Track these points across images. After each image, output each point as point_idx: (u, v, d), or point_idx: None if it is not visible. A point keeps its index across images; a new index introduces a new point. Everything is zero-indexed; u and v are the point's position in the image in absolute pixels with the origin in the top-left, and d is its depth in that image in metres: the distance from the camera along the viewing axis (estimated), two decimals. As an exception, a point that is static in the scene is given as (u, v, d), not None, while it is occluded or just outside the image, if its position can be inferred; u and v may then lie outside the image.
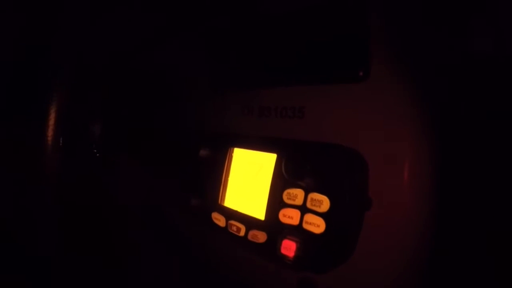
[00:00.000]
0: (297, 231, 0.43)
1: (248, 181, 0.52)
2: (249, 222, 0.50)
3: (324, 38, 0.46)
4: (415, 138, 0.38)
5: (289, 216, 0.44)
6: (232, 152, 0.56)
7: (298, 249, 0.42)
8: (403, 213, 0.38)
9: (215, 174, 0.57)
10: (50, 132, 0.52)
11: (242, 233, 0.50)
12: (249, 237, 0.49)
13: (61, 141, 0.53)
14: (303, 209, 0.43)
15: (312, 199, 0.42)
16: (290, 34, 0.50)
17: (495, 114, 0.46)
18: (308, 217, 0.42)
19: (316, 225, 0.41)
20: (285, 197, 0.45)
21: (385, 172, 0.39)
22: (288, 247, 0.43)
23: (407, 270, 0.39)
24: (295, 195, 0.44)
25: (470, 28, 0.47)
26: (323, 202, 0.41)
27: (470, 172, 0.42)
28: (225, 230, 0.53)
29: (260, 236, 0.48)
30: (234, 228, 0.51)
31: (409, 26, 0.41)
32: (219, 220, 0.54)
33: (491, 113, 0.46)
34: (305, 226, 0.42)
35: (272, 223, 0.47)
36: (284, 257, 0.44)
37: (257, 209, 0.49)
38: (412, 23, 0.41)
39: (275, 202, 0.47)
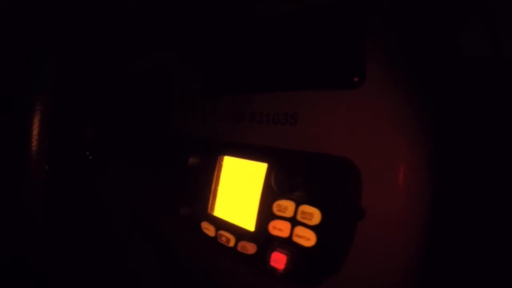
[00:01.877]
0: (287, 244, 0.42)
1: (238, 190, 0.51)
2: (239, 233, 0.48)
3: (318, 43, 0.45)
4: (410, 146, 0.37)
5: (279, 228, 0.43)
6: (222, 160, 0.54)
7: (287, 262, 0.41)
8: (396, 223, 0.37)
9: (204, 182, 0.55)
10: (35, 135, 0.51)
11: (231, 244, 0.49)
12: (239, 248, 0.48)
13: (46, 144, 0.52)
14: (294, 222, 0.42)
15: (303, 212, 0.41)
16: (283, 38, 0.49)
17: (492, 120, 0.45)
18: (299, 230, 0.41)
19: (306, 238, 0.40)
20: (275, 209, 0.44)
21: (378, 181, 0.38)
22: (278, 260, 0.42)
23: (399, 281, 0.37)
24: (286, 207, 0.42)
25: (465, 31, 0.46)
26: (314, 215, 0.40)
27: (466, 179, 0.41)
28: (214, 240, 0.52)
29: (249, 248, 0.46)
30: (224, 239, 0.50)
31: (405, 31, 0.40)
32: (209, 230, 0.53)
33: (487, 118, 0.45)
34: (295, 239, 0.41)
35: (261, 235, 0.45)
36: (273, 269, 0.42)
37: (247, 220, 0.48)
38: (407, 28, 0.40)
39: (265, 213, 0.45)
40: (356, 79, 0.40)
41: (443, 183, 0.37)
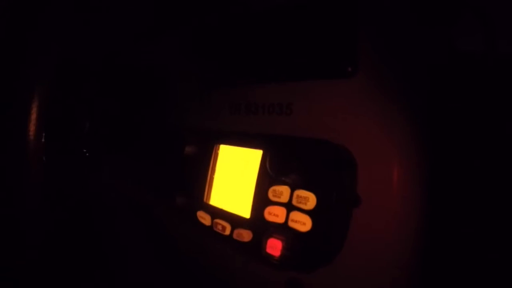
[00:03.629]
0: (283, 230, 0.42)
1: (234, 178, 0.51)
2: (234, 220, 0.48)
3: (312, 32, 0.45)
4: (404, 136, 0.37)
5: (274, 214, 0.43)
6: (218, 149, 0.54)
7: (283, 248, 0.41)
8: (392, 212, 0.37)
9: (200, 171, 0.56)
10: (32, 129, 0.51)
11: (227, 232, 0.49)
12: (234, 236, 0.48)
13: (43, 137, 0.52)
14: (289, 207, 0.42)
15: (298, 196, 0.41)
16: (278, 29, 0.49)
17: (486, 113, 0.46)
18: (294, 214, 0.41)
19: (302, 223, 0.40)
20: (270, 195, 0.44)
21: (373, 169, 0.38)
22: (274, 246, 0.42)
23: (396, 270, 0.37)
24: (281, 192, 0.43)
25: (459, 26, 0.47)
26: (309, 199, 0.40)
27: (461, 171, 0.42)
28: (210, 229, 0.52)
29: (245, 235, 0.46)
30: (220, 227, 0.50)
31: (399, 21, 0.41)
32: (205, 218, 0.53)
33: (481, 112, 0.46)
34: (290, 224, 0.41)
35: (257, 221, 0.45)
36: (269, 256, 0.42)
37: (243, 207, 0.48)
38: (401, 19, 0.41)
39: (261, 199, 0.45)
40: (349, 68, 0.40)
41: (439, 174, 0.38)
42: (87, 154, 0.73)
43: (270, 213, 0.44)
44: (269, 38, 0.51)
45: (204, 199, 0.54)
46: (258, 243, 0.44)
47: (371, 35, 0.40)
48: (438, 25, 0.45)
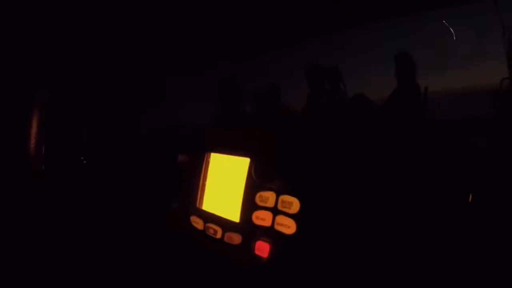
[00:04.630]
0: (270, 233, 0.44)
1: (224, 184, 0.53)
2: (225, 224, 0.51)
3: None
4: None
5: (261, 218, 0.46)
6: (209, 157, 0.57)
7: (271, 250, 0.44)
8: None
9: (193, 178, 0.58)
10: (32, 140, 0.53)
11: (218, 236, 0.51)
12: (225, 239, 0.50)
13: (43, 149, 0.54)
14: (275, 211, 0.44)
15: (283, 201, 0.43)
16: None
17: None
18: (280, 218, 0.44)
19: (287, 226, 0.43)
20: (257, 200, 0.46)
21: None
22: (262, 248, 0.44)
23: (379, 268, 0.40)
24: (267, 197, 0.45)
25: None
26: (293, 204, 0.42)
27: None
28: (203, 233, 0.54)
29: (235, 238, 0.49)
30: (211, 231, 0.52)
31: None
32: (197, 223, 0.55)
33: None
34: (277, 227, 0.44)
35: (246, 225, 0.48)
36: (258, 258, 0.45)
37: (233, 212, 0.50)
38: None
39: (249, 204, 0.48)
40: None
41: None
42: (84, 162, 0.75)
43: (257, 217, 0.46)
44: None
45: (197, 205, 0.57)
46: (247, 245, 0.47)
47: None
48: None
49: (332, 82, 1.46)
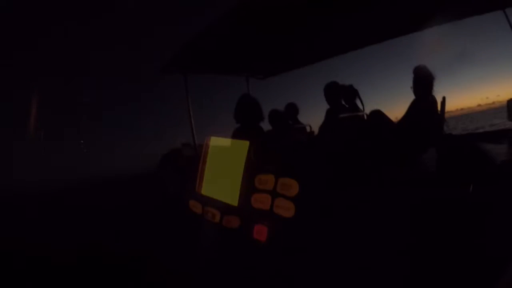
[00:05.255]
0: (269, 216, 0.44)
1: (224, 168, 0.53)
2: (224, 208, 0.50)
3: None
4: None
5: (260, 201, 0.45)
6: (209, 140, 0.56)
7: (269, 234, 0.43)
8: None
9: (193, 163, 0.58)
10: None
11: (217, 219, 0.51)
12: (224, 222, 0.50)
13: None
14: (274, 194, 0.44)
15: (282, 184, 0.43)
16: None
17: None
18: (279, 201, 0.43)
19: (286, 208, 0.42)
20: (256, 183, 0.46)
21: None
22: (260, 232, 0.44)
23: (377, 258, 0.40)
24: (266, 180, 0.45)
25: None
26: (292, 186, 0.42)
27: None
28: (201, 216, 0.54)
29: (233, 221, 0.48)
30: (210, 215, 0.52)
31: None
32: (196, 207, 0.55)
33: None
34: (276, 210, 0.43)
35: (245, 208, 0.47)
36: (256, 241, 0.44)
37: (231, 195, 0.50)
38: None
39: (248, 187, 0.47)
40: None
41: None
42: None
43: (256, 200, 0.46)
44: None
45: (196, 189, 0.56)
46: (246, 229, 0.46)
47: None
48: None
49: (349, 100, 1.49)
